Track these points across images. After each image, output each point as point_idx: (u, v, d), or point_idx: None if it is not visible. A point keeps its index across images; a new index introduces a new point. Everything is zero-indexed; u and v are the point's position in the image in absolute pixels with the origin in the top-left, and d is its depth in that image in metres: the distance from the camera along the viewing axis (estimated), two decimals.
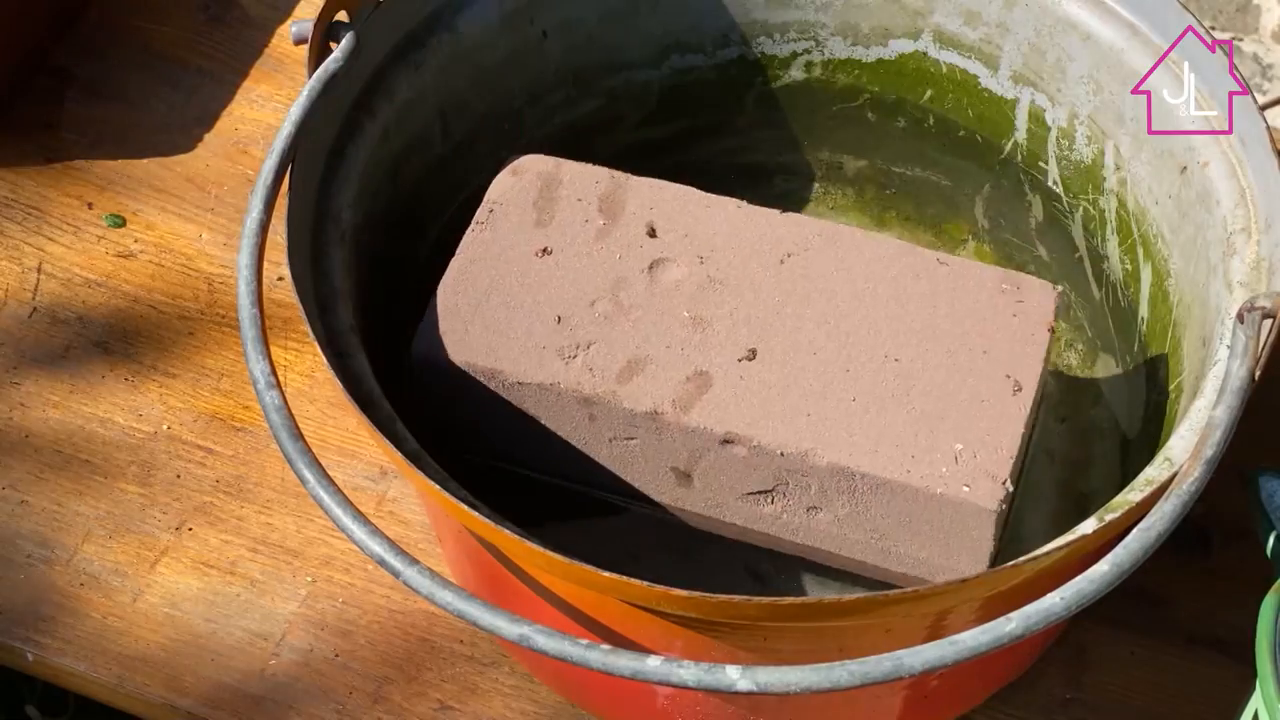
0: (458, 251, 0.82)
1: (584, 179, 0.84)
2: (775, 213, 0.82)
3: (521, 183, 0.84)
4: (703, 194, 0.83)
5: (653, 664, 0.62)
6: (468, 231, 0.82)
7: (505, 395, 0.79)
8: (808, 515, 0.78)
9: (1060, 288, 0.80)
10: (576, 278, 0.81)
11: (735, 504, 0.79)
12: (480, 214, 0.83)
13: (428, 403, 0.81)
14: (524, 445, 0.81)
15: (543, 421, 0.79)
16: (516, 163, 0.85)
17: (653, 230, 0.82)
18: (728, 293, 0.80)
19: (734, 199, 0.83)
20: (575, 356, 0.78)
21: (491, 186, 0.84)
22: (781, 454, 0.76)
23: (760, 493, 0.78)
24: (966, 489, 0.74)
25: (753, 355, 0.78)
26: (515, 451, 0.82)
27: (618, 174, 0.84)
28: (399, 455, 0.69)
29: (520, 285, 0.81)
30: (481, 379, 0.79)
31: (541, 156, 0.85)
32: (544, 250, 0.81)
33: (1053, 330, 0.78)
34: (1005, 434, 0.75)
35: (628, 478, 0.80)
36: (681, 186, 0.84)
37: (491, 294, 0.80)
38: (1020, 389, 0.76)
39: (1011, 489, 0.74)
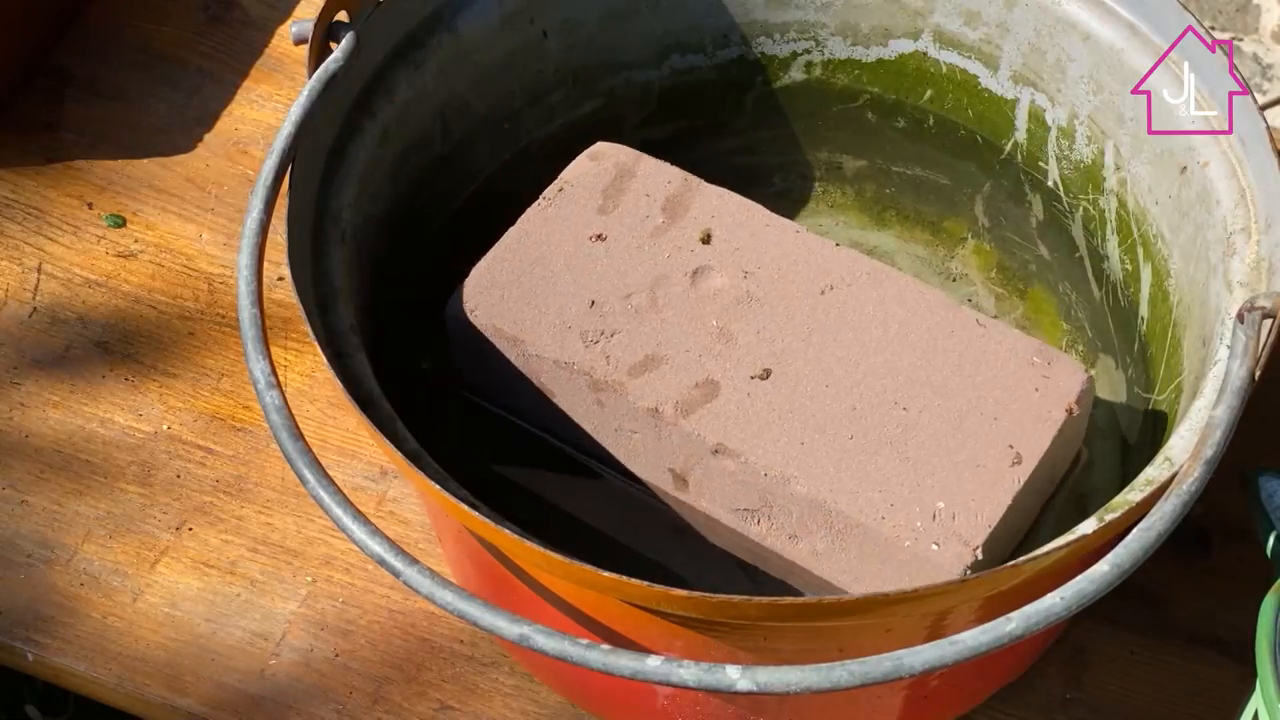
0: (518, 222, 0.84)
1: (657, 176, 0.85)
2: (830, 244, 0.83)
3: (597, 169, 0.85)
4: (767, 213, 0.84)
5: (653, 664, 0.62)
6: (533, 205, 0.84)
7: (522, 365, 0.80)
8: (790, 542, 0.78)
9: (1091, 373, 0.79)
10: (621, 268, 0.82)
11: (727, 516, 0.80)
12: (549, 191, 0.85)
13: (459, 353, 0.83)
14: (538, 412, 0.82)
15: (556, 398, 0.81)
16: (597, 148, 0.87)
17: (708, 237, 0.82)
18: (761, 311, 0.80)
19: (795, 223, 0.84)
20: (597, 342, 0.79)
21: (569, 168, 0.86)
22: (765, 475, 0.76)
23: (748, 510, 0.78)
24: (935, 547, 0.73)
25: (766, 375, 0.78)
26: (531, 415, 0.83)
27: (691, 178, 0.85)
28: (399, 455, 0.69)
29: (566, 264, 0.82)
30: (504, 344, 0.80)
31: (623, 147, 0.87)
32: (598, 236, 0.83)
33: (1071, 412, 0.77)
34: (991, 502, 0.74)
35: (631, 467, 0.81)
36: (749, 202, 0.84)
37: (536, 266, 0.82)
38: (1020, 462, 0.75)
39: (981, 558, 0.73)
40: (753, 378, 0.78)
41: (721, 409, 0.77)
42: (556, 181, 0.85)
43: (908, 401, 0.77)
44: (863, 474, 0.75)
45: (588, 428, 0.81)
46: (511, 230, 0.83)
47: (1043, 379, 0.77)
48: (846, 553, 0.76)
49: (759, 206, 0.84)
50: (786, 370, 0.78)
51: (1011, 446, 0.76)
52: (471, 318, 0.81)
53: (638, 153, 0.86)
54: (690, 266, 0.82)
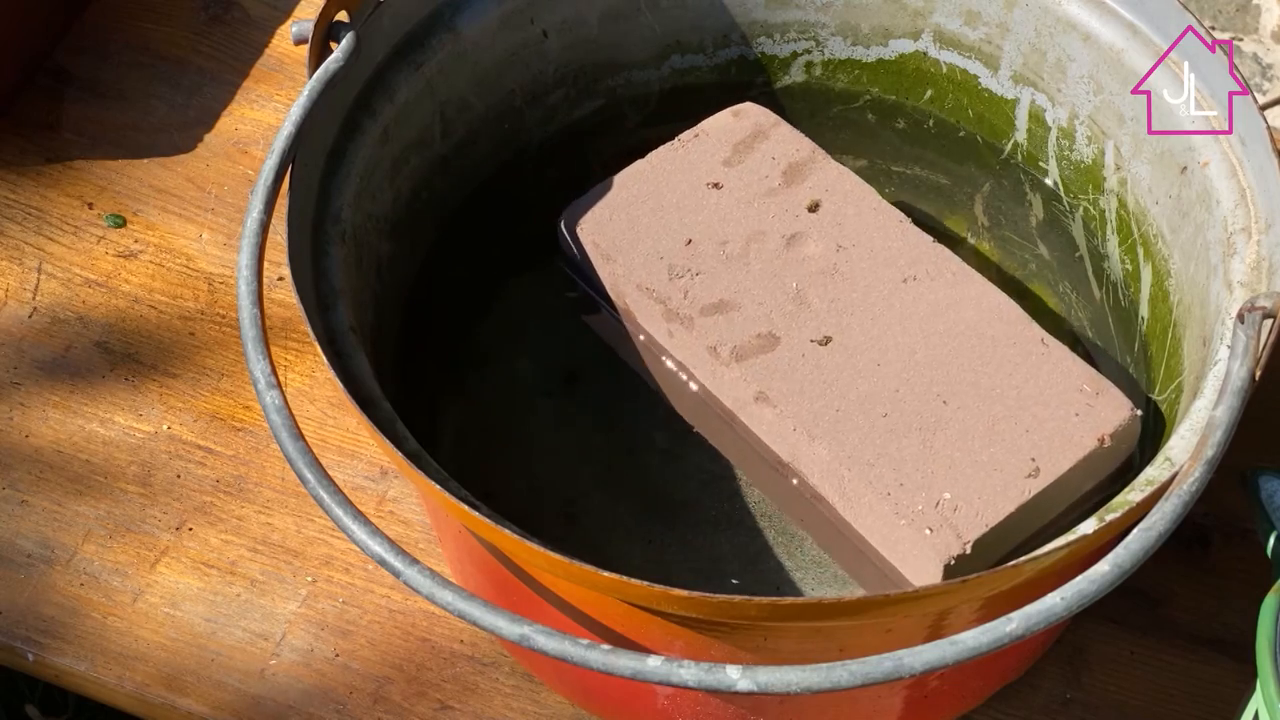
0: (647, 155, 0.88)
1: (788, 142, 0.89)
2: (928, 239, 0.85)
3: (735, 124, 0.89)
4: (878, 197, 0.87)
5: (653, 664, 0.62)
6: (666, 145, 0.89)
7: (610, 283, 0.86)
8: (812, 504, 0.80)
9: (1139, 413, 0.79)
10: (725, 217, 0.86)
11: (764, 470, 0.82)
12: (685, 135, 0.89)
13: (568, 258, 0.88)
14: (615, 328, 0.87)
15: (634, 319, 0.86)
16: (743, 107, 0.90)
17: (815, 206, 0.86)
18: (841, 284, 0.83)
19: (902, 213, 0.86)
20: (681, 278, 0.83)
21: (710, 119, 0.90)
22: (794, 429, 0.78)
23: (780, 465, 0.81)
24: (928, 531, 0.75)
25: (825, 341, 0.81)
26: (609, 330, 0.88)
27: (819, 151, 0.88)
28: (399, 455, 0.69)
29: (677, 202, 0.86)
30: (599, 261, 0.85)
31: (767, 111, 0.90)
32: (715, 184, 0.87)
33: (1103, 442, 0.77)
34: (995, 505, 0.76)
35: (683, 404, 0.85)
36: (864, 184, 0.87)
37: (650, 199, 0.87)
38: (1036, 475, 0.76)
39: (970, 553, 0.75)
40: (812, 341, 0.81)
41: (774, 362, 0.81)
42: (695, 128, 0.89)
43: (949, 396, 0.79)
44: (883, 450, 0.77)
45: (654, 353, 0.85)
46: (639, 162, 0.88)
47: (1086, 406, 0.78)
48: (854, 519, 0.78)
49: (872, 190, 0.87)
50: (845, 342, 0.81)
51: (1033, 460, 0.77)
52: (578, 231, 0.86)
53: (778, 118, 0.90)
54: (790, 230, 0.85)
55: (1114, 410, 0.78)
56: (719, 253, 0.85)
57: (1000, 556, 0.77)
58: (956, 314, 0.82)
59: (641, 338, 0.86)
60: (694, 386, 0.85)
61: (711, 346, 0.82)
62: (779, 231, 0.85)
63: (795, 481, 0.81)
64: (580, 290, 0.88)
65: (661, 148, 0.88)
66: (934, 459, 0.77)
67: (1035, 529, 0.78)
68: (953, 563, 0.75)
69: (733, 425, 0.83)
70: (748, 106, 0.90)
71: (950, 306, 0.82)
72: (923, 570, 0.76)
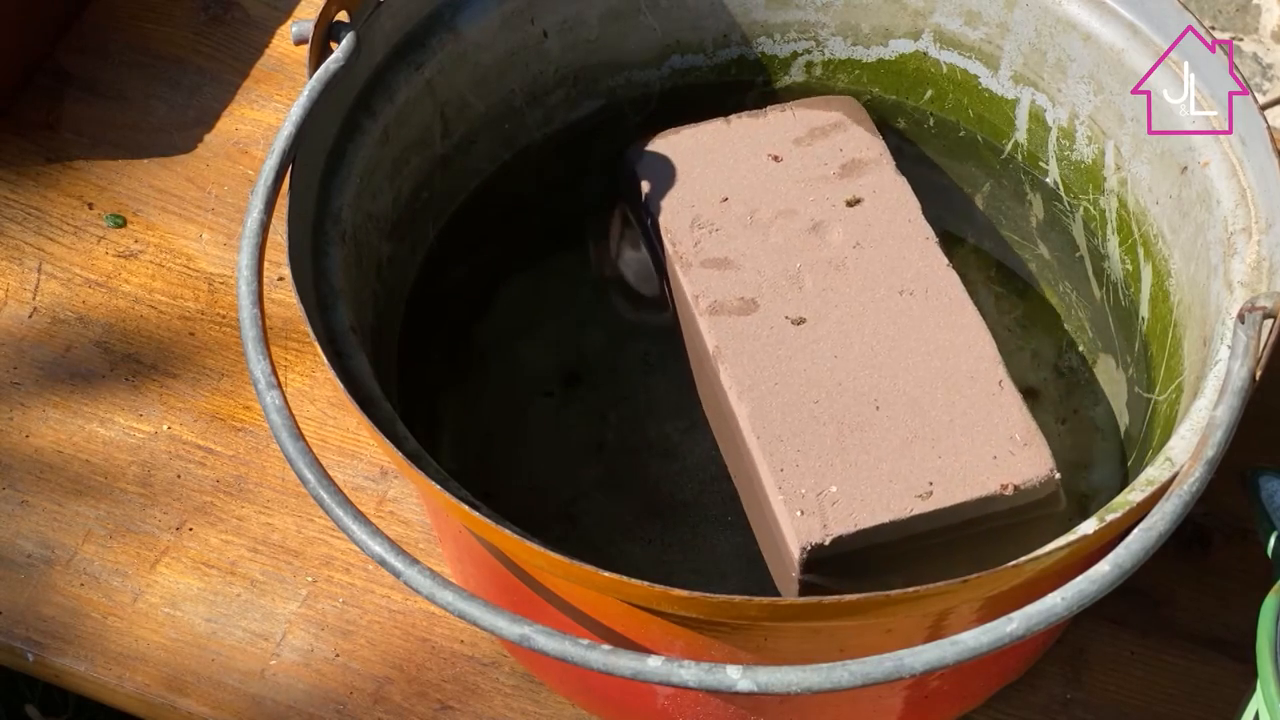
0: (730, 117, 0.91)
1: (860, 140, 0.90)
2: (944, 262, 0.85)
3: (822, 111, 0.91)
4: (918, 211, 0.87)
5: (653, 664, 0.62)
6: (751, 111, 0.91)
7: (643, 218, 0.89)
8: (735, 460, 0.83)
9: (1058, 476, 0.78)
10: (769, 189, 0.88)
11: (716, 419, 0.86)
12: (774, 108, 0.91)
13: (627, 191, 0.91)
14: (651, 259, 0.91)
15: (661, 258, 0.88)
16: (842, 98, 0.93)
17: (855, 202, 0.87)
18: (840, 278, 0.85)
19: (932, 230, 0.87)
20: (701, 229, 0.86)
21: (810, 99, 0.92)
22: (728, 390, 0.81)
23: (723, 420, 0.83)
24: (799, 513, 0.77)
25: (799, 322, 0.83)
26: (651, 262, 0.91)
27: (888, 156, 0.90)
28: (399, 455, 0.69)
29: (733, 164, 0.89)
30: (637, 201, 0.89)
31: (859, 107, 0.92)
32: (776, 157, 0.89)
33: (1005, 489, 0.77)
34: (872, 511, 0.76)
35: (688, 340, 0.88)
36: (911, 196, 0.88)
37: (708, 155, 0.89)
38: (926, 498, 0.77)
39: (827, 544, 0.75)
40: (786, 318, 0.83)
41: (742, 326, 0.83)
42: (785, 104, 0.92)
43: (884, 403, 0.80)
44: (799, 432, 0.79)
45: (671, 289, 0.88)
46: (719, 119, 0.91)
47: (1008, 452, 0.78)
48: (754, 491, 0.80)
49: (916, 204, 0.88)
50: (815, 328, 0.83)
51: (931, 483, 0.77)
52: (635, 168, 0.89)
53: (865, 115, 0.91)
54: (821, 217, 0.87)
55: (1031, 465, 0.78)
56: (745, 217, 0.87)
57: (863, 557, 0.78)
58: (933, 335, 0.82)
59: (667, 273, 0.89)
60: (684, 327, 0.87)
61: (695, 295, 0.84)
62: (810, 215, 0.87)
63: (733, 433, 0.83)
64: (636, 220, 0.91)
65: (746, 113, 0.91)
66: (838, 454, 0.78)
67: (902, 537, 0.78)
68: (808, 549, 0.75)
69: (704, 370, 0.86)
70: (846, 99, 0.92)
71: (931, 327, 0.83)
72: (782, 549, 0.77)
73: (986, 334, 0.83)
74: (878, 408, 0.80)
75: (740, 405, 0.80)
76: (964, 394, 0.80)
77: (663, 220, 0.87)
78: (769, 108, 0.91)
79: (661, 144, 0.90)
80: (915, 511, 0.76)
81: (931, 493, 0.77)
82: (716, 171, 0.89)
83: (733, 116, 0.91)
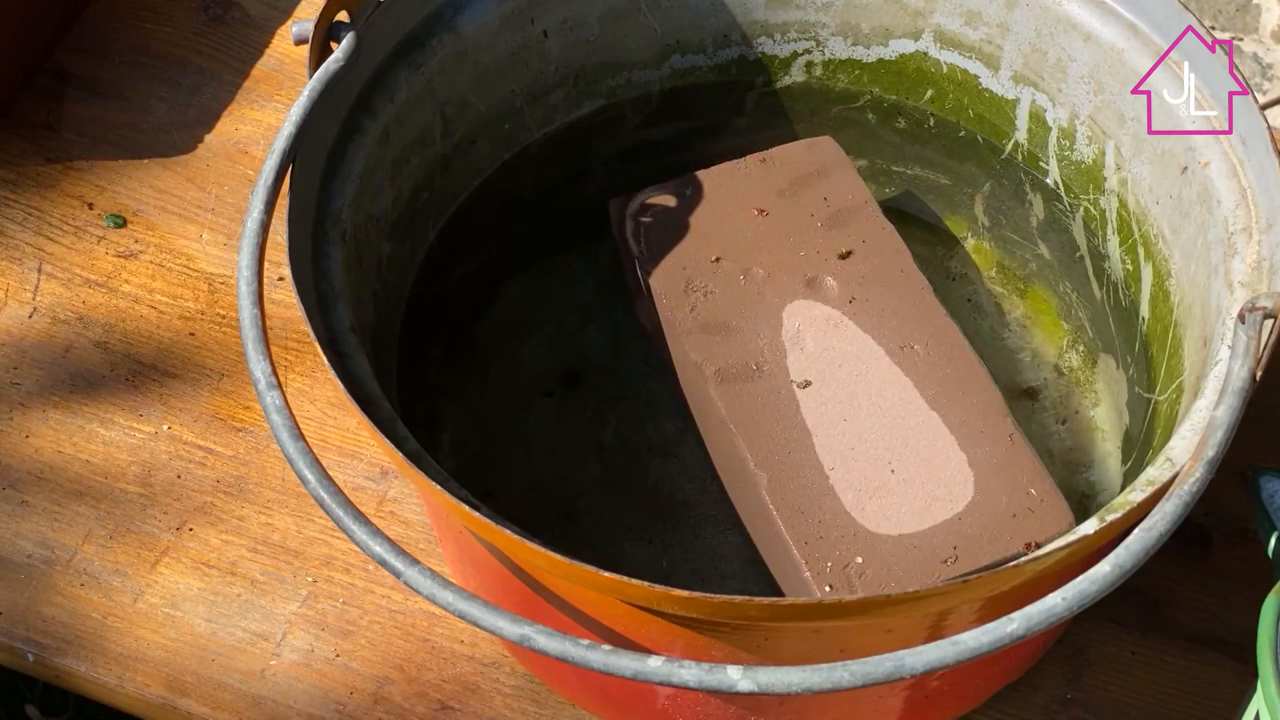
0: (712, 168, 0.90)
1: (844, 187, 0.90)
2: (941, 311, 0.85)
3: (803, 157, 0.91)
4: (910, 260, 0.87)
5: (654, 664, 0.62)
6: (733, 161, 0.90)
7: (635, 278, 0.88)
8: (751, 518, 0.83)
9: (1070, 516, 0.78)
10: (759, 245, 0.87)
11: (727, 481, 0.85)
12: (753, 157, 0.91)
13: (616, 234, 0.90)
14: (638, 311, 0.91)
15: (654, 309, 0.87)
16: (817, 141, 0.92)
17: (846, 255, 0.87)
18: (839, 335, 0.84)
19: (927, 280, 0.86)
20: (695, 292, 0.86)
21: (783, 147, 0.91)
22: (745, 459, 0.80)
23: (738, 484, 0.83)
24: (828, 589, 0.76)
25: (805, 385, 0.82)
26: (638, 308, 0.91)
27: (871, 201, 0.89)
28: (400, 455, 0.69)
29: (720, 220, 0.88)
30: (626, 258, 0.88)
31: (838, 149, 0.91)
32: (762, 210, 0.87)
33: (1030, 548, 0.77)
34: (901, 582, 0.76)
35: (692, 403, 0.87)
36: (901, 244, 0.87)
37: (696, 209, 0.88)
38: (952, 563, 0.76)
39: (828, 590, 0.76)
40: (793, 382, 0.82)
41: (750, 391, 0.82)
42: (765, 153, 0.91)
43: (899, 466, 0.80)
44: (817, 501, 0.78)
45: (659, 346, 0.88)
46: (701, 172, 0.90)
47: (1026, 509, 0.78)
48: (777, 557, 0.80)
49: (908, 252, 0.87)
50: (822, 390, 0.82)
51: (955, 548, 0.77)
52: (618, 227, 0.88)
53: (846, 160, 0.91)
54: (813, 272, 0.86)
55: (1052, 521, 0.78)
56: (737, 276, 0.86)
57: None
58: (938, 391, 0.82)
59: (656, 333, 0.88)
60: (685, 389, 0.86)
61: (698, 363, 0.83)
62: (804, 272, 0.86)
63: (740, 503, 0.82)
64: (627, 273, 0.91)
65: (726, 163, 0.90)
66: (859, 524, 0.78)
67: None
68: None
69: (713, 432, 0.85)
70: (823, 141, 0.91)
71: (935, 381, 0.82)
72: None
73: (991, 384, 0.83)
74: (893, 471, 0.79)
75: (759, 474, 0.79)
76: (976, 450, 0.80)
77: (655, 284, 0.86)
78: (747, 157, 0.90)
79: (646, 202, 0.89)
80: (942, 578, 0.76)
81: (956, 558, 0.77)
82: (704, 229, 0.88)
83: (713, 168, 0.90)
